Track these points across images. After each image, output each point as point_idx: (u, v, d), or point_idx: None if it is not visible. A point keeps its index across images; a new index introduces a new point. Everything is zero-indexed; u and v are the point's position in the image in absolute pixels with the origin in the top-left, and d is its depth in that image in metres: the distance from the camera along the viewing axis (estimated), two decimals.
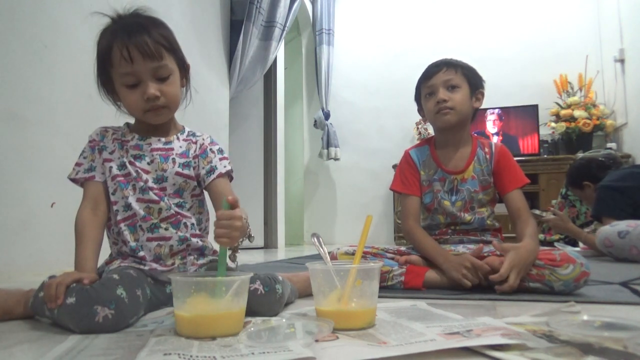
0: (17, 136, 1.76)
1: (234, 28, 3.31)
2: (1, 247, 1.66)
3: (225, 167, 1.06)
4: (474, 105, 1.44)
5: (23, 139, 1.78)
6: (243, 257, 2.83)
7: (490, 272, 1.22)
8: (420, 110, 1.52)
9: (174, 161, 1.03)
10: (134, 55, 0.94)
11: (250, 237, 0.93)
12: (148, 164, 1.02)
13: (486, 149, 1.46)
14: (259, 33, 3.41)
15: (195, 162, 1.06)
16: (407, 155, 1.53)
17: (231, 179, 1.09)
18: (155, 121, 1.03)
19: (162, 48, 0.97)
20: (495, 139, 4.30)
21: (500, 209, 1.44)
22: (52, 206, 1.86)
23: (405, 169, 1.50)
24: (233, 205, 0.83)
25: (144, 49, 0.94)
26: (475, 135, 1.51)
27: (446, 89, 1.40)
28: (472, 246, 1.39)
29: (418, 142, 1.65)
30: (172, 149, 1.05)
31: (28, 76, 1.81)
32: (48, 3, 1.91)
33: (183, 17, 2.80)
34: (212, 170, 1.05)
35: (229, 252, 0.97)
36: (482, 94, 1.46)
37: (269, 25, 3.48)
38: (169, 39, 1.00)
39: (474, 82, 1.44)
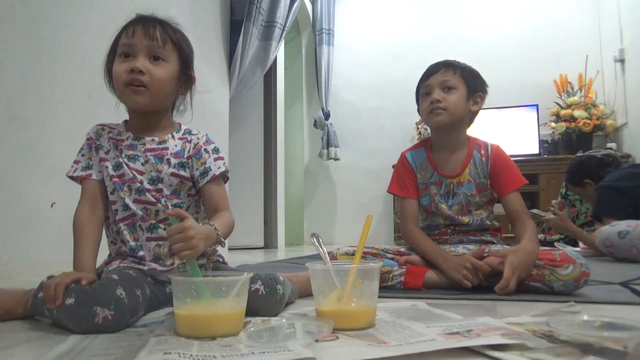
0: (17, 136, 1.75)
1: (234, 28, 3.30)
2: (1, 247, 1.66)
3: (219, 168, 1.04)
4: (471, 108, 1.41)
5: (23, 139, 1.78)
6: (243, 257, 2.83)
7: (491, 272, 1.22)
8: (420, 110, 1.51)
9: (168, 162, 1.02)
10: (136, 31, 0.97)
11: (221, 242, 0.90)
12: (142, 164, 1.01)
13: (482, 151, 1.44)
14: (259, 33, 3.41)
15: (189, 163, 1.04)
16: (403, 158, 1.52)
17: (226, 179, 1.07)
18: (132, 102, 0.99)
19: (168, 38, 1.00)
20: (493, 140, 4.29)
21: (499, 208, 1.43)
22: (52, 206, 1.85)
23: (402, 172, 1.49)
24: (180, 217, 0.81)
25: (149, 30, 0.97)
26: (472, 136, 1.48)
27: (441, 90, 1.38)
28: (471, 246, 1.39)
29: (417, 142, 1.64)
30: (167, 149, 1.03)
31: (28, 76, 1.81)
32: (48, 3, 1.91)
33: (183, 17, 2.80)
34: (205, 172, 1.02)
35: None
36: (482, 98, 1.43)
37: (269, 25, 3.48)
38: (179, 38, 1.03)
39: (473, 85, 1.41)
